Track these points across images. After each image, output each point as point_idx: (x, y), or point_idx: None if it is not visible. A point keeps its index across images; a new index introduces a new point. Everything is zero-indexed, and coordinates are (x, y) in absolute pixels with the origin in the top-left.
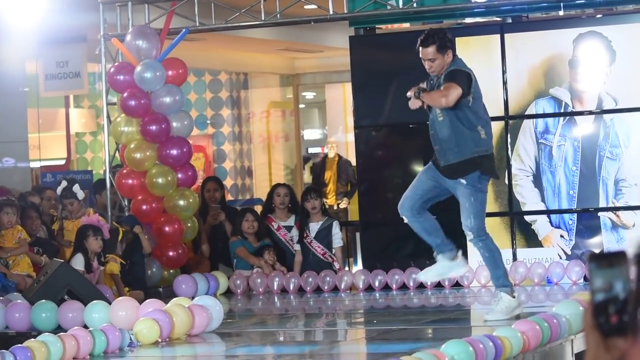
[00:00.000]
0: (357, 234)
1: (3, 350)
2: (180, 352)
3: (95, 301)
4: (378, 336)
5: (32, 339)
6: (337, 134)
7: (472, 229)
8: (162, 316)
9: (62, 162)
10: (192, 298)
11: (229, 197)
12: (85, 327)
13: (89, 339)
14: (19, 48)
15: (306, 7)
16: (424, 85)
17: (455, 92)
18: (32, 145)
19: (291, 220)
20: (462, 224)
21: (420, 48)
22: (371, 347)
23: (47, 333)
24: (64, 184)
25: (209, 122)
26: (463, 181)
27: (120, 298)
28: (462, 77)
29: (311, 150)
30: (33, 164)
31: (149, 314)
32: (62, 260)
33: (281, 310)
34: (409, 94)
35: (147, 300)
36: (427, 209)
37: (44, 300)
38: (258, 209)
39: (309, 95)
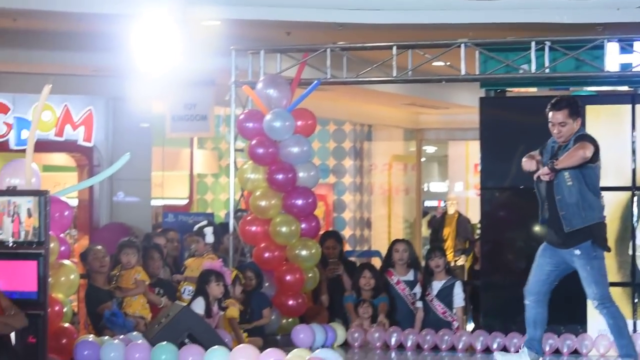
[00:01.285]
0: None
1: None
2: None
3: (215, 346)
4: None
5: None
6: (457, 190)
7: (595, 297)
8: None
9: (184, 201)
10: (310, 348)
11: (347, 248)
12: None
13: None
14: (147, 86)
15: (434, 63)
16: (535, 153)
17: (590, 148)
18: (154, 183)
19: (410, 275)
20: (586, 292)
21: (552, 112)
22: None
23: None
24: (204, 222)
25: (330, 171)
26: (577, 252)
27: (240, 345)
28: (593, 141)
29: (427, 203)
30: (154, 202)
31: None
32: (185, 304)
33: None
34: (536, 171)
35: (268, 350)
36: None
37: (164, 342)
38: (375, 261)
39: (431, 149)
